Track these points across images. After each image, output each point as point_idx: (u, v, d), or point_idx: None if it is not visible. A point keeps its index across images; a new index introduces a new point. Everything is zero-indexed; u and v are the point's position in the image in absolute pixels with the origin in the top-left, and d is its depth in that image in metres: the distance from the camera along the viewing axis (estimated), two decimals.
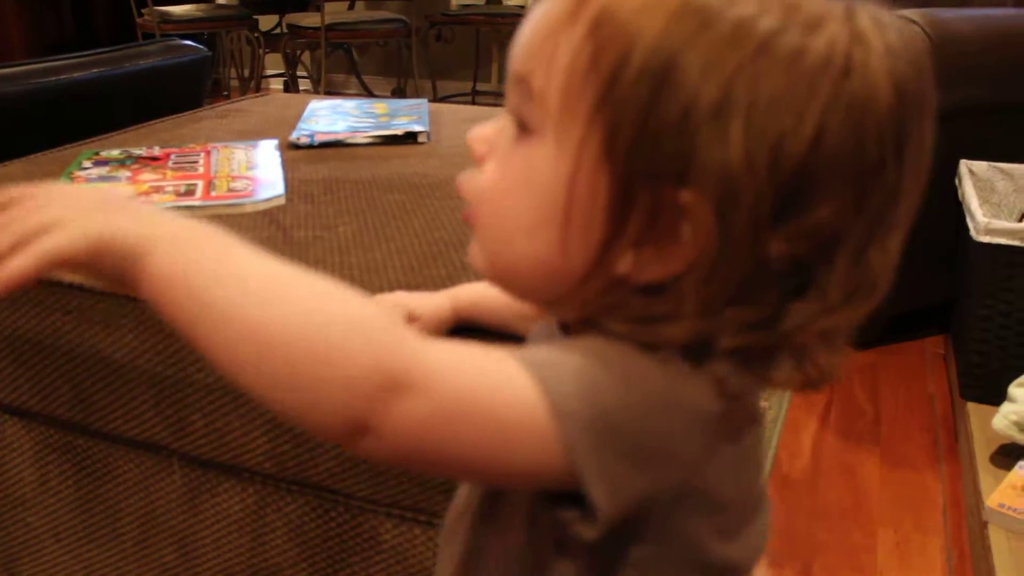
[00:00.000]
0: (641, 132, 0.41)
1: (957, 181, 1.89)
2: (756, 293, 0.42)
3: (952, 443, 1.72)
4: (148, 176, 1.18)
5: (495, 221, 0.47)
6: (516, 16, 2.64)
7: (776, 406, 1.83)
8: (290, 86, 4.47)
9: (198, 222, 0.44)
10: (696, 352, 0.43)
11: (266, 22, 4.57)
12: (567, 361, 0.42)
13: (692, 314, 0.42)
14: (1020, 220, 1.77)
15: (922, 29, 1.75)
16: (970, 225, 1.70)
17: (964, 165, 1.89)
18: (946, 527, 1.50)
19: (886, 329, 2.09)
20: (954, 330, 1.99)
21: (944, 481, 1.62)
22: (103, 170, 1.21)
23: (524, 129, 0.45)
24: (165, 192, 1.11)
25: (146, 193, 1.11)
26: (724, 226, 0.41)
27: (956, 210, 1.85)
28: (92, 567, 1.05)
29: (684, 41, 0.40)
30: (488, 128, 0.48)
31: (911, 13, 1.79)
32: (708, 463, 0.44)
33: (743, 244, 0.41)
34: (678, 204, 0.41)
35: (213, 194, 1.11)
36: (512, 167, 0.46)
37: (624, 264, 0.43)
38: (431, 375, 0.40)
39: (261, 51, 4.42)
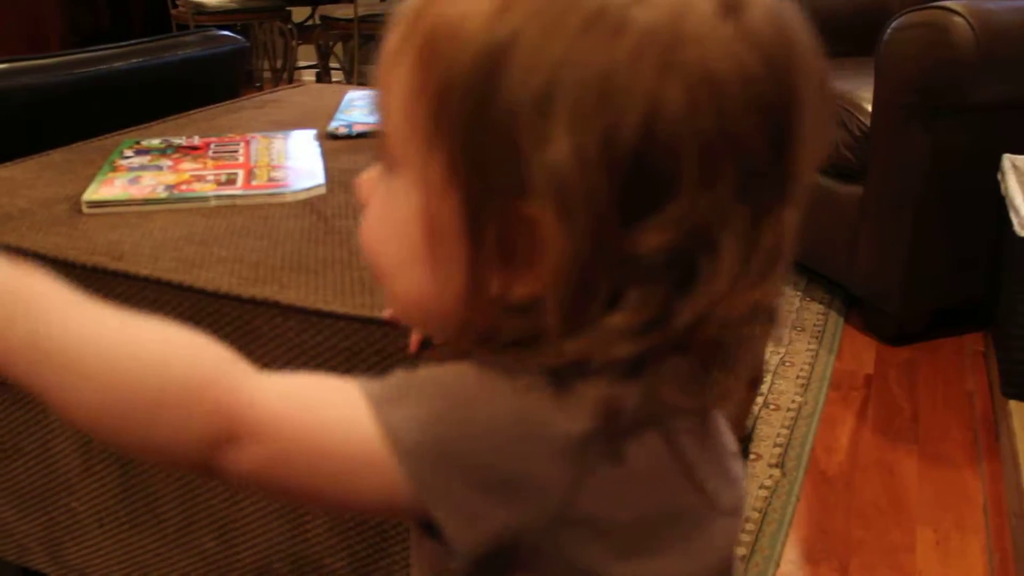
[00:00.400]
0: (474, 147, 0.39)
1: (1000, 176, 1.86)
2: (635, 295, 0.40)
3: (992, 441, 1.70)
4: (189, 165, 1.18)
5: (377, 261, 0.47)
6: None
7: (812, 401, 1.82)
8: (322, 77, 4.48)
9: (27, 278, 0.43)
10: (574, 371, 0.41)
11: (299, 13, 4.58)
12: (412, 390, 0.42)
13: (559, 330, 0.40)
14: None
15: (966, 20, 1.72)
16: (1013, 220, 1.67)
17: (1007, 159, 1.86)
18: (987, 527, 1.48)
19: (925, 325, 2.06)
20: (995, 327, 1.97)
21: (985, 480, 1.60)
22: (144, 159, 1.22)
23: (388, 167, 0.45)
24: (206, 181, 1.11)
25: (188, 182, 1.11)
26: (571, 232, 0.39)
27: (998, 205, 1.82)
28: (134, 552, 1.06)
29: (504, 45, 0.38)
30: (371, 171, 0.47)
31: (954, 4, 1.76)
32: (581, 487, 0.41)
33: (597, 247, 0.39)
34: (523, 216, 0.39)
35: (254, 183, 1.11)
36: (381, 207, 0.46)
37: (495, 286, 0.42)
38: (263, 423, 0.41)
39: (294, 42, 4.43)
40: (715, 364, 0.43)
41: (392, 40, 0.43)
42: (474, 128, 0.39)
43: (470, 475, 0.41)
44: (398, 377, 0.43)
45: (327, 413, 0.42)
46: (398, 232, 0.44)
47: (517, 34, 0.38)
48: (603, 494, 0.42)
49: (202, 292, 0.87)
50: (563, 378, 0.41)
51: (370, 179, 0.47)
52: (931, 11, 1.79)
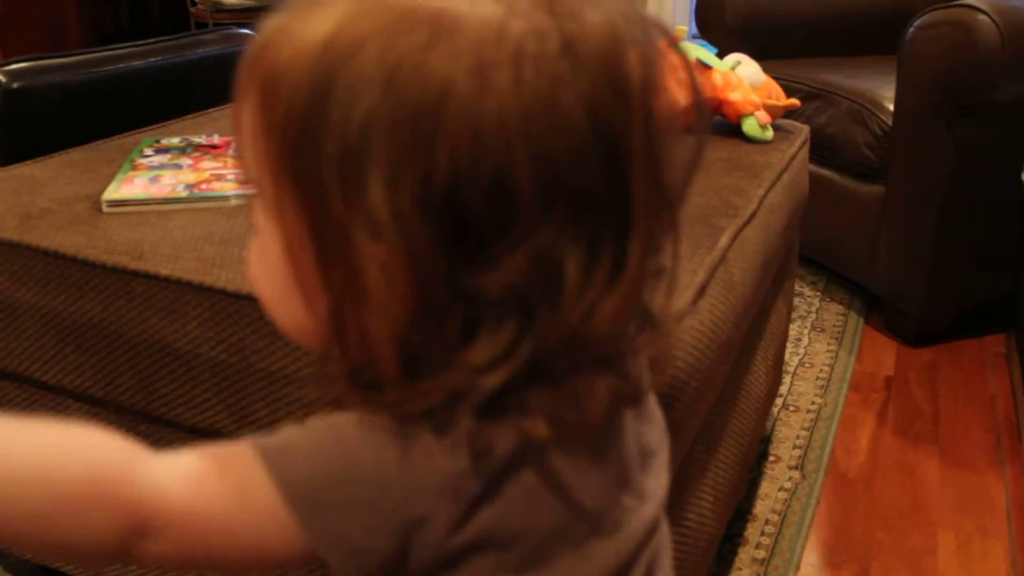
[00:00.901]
0: (310, 190, 0.40)
1: (1023, 176, 1.84)
2: (487, 328, 0.41)
3: (1015, 444, 1.68)
4: (209, 164, 1.18)
5: (258, 293, 0.48)
6: None
7: (832, 403, 1.80)
8: None
9: None
10: (450, 411, 0.42)
11: None
12: (300, 440, 0.44)
13: (396, 373, 0.41)
14: None
15: (991, 18, 1.71)
16: None
17: None
18: (1011, 531, 1.47)
19: (946, 327, 2.04)
20: (1018, 328, 1.95)
21: (1007, 483, 1.58)
22: (164, 158, 1.22)
23: (259, 205, 0.46)
24: (226, 180, 1.11)
25: (208, 181, 1.11)
26: (402, 273, 0.39)
27: (1021, 206, 1.80)
28: None
29: (323, 93, 0.39)
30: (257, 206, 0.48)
31: (979, 2, 1.75)
32: (464, 519, 0.43)
33: (432, 287, 0.39)
34: (360, 257, 0.40)
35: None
36: (259, 242, 0.47)
37: (357, 320, 0.42)
38: (166, 513, 0.42)
39: None
40: (580, 386, 0.43)
41: (239, 83, 0.43)
42: (306, 172, 0.40)
43: (357, 516, 0.42)
44: (289, 429, 0.44)
45: (226, 487, 0.44)
46: (271, 267, 0.45)
47: (334, 77, 0.39)
48: (485, 523, 0.43)
49: (223, 292, 0.87)
50: (441, 418, 0.42)
51: (255, 213, 0.47)
52: (956, 9, 1.77)
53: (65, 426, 0.44)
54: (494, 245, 0.39)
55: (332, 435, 0.44)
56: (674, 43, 0.44)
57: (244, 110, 0.43)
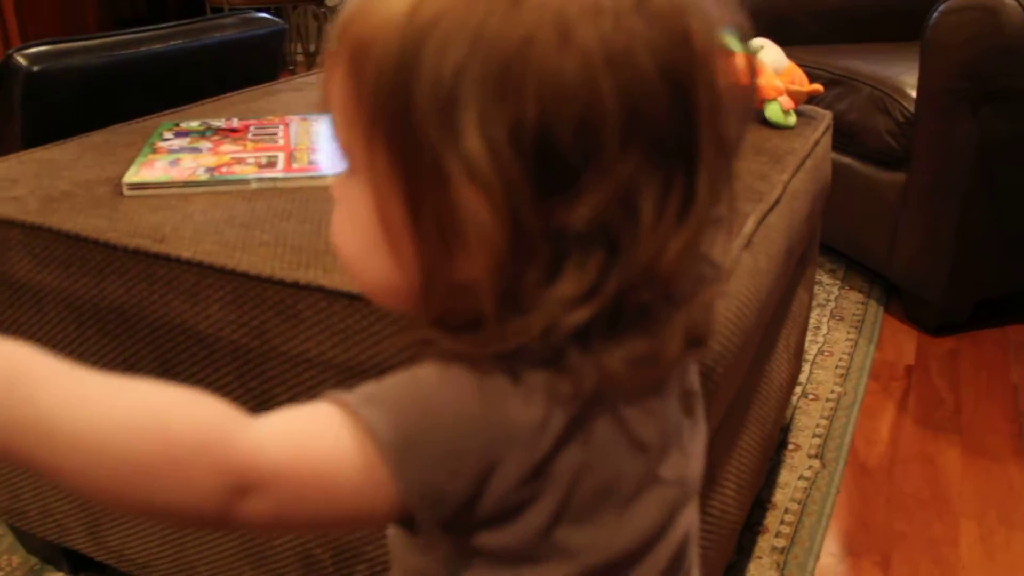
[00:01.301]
0: (403, 143, 0.43)
1: None
2: (572, 264, 0.43)
3: None
4: (229, 148, 1.18)
5: (343, 254, 0.51)
6: None
7: (852, 392, 1.79)
8: None
9: (13, 355, 0.44)
10: (528, 360, 0.44)
11: None
12: (382, 395, 0.45)
13: (496, 310, 0.44)
14: None
15: (1018, 3, 1.68)
16: None
17: None
18: None
19: (967, 316, 2.03)
20: None
21: None
22: (184, 141, 1.21)
23: (346, 169, 0.49)
24: (247, 164, 1.11)
25: (228, 164, 1.11)
26: (495, 213, 0.42)
27: None
28: (173, 535, 1.06)
29: (414, 48, 0.42)
30: (338, 174, 0.51)
31: None
32: (542, 466, 0.45)
33: (523, 225, 0.42)
34: (453, 203, 0.43)
35: (295, 166, 1.10)
36: (344, 205, 0.50)
37: (444, 270, 0.45)
38: (268, 474, 0.43)
39: (327, 25, 4.43)
40: (654, 329, 0.46)
41: (328, 54, 0.47)
42: (400, 126, 0.43)
43: (443, 461, 0.44)
44: (369, 385, 0.46)
45: (321, 443, 0.45)
46: (358, 226, 0.48)
47: (424, 36, 0.42)
48: (552, 472, 0.45)
49: (245, 276, 0.87)
50: (518, 368, 0.45)
51: (337, 181, 0.50)
52: None
53: (167, 386, 0.44)
54: (580, 179, 0.42)
55: (413, 386, 0.46)
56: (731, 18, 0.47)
57: (333, 81, 0.46)
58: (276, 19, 1.75)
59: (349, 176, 0.48)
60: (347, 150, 0.47)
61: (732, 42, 0.47)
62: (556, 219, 0.42)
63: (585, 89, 0.41)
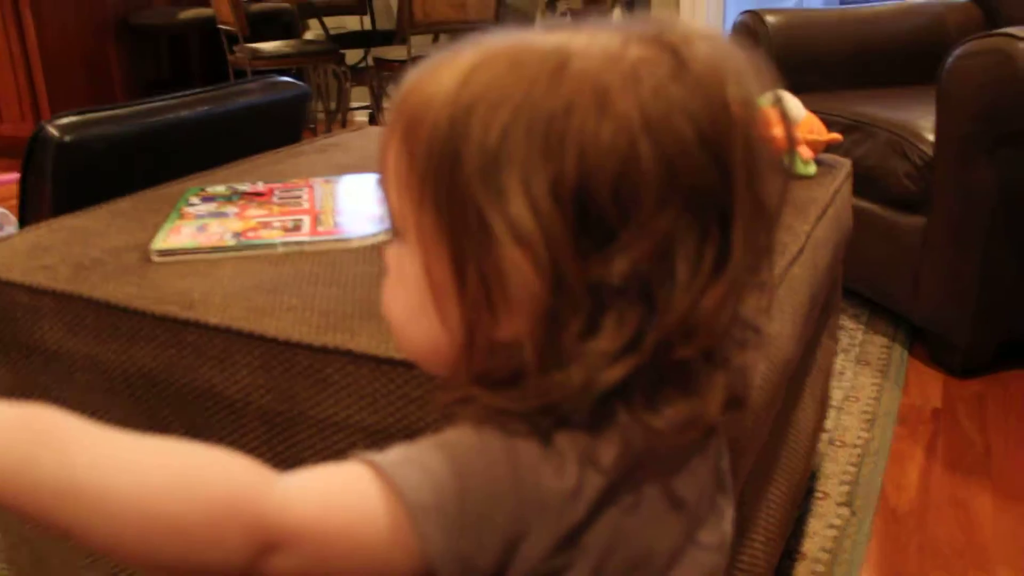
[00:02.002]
0: (451, 207, 0.45)
1: None
2: (611, 319, 0.44)
3: None
4: (255, 212, 1.20)
5: (392, 319, 0.53)
6: None
7: (879, 437, 1.78)
8: (375, 118, 4.54)
9: (42, 415, 0.46)
10: (561, 425, 0.45)
11: (352, 56, 4.65)
12: (414, 456, 0.46)
13: (538, 364, 0.45)
14: None
15: None
16: None
17: None
18: None
19: (991, 358, 2.01)
20: None
21: None
22: (211, 206, 1.24)
23: (397, 236, 0.51)
24: (273, 228, 1.13)
25: (254, 229, 1.13)
26: (538, 271, 0.44)
27: None
28: None
29: (463, 116, 0.45)
30: (390, 242, 0.54)
31: (1018, 30, 1.74)
32: (575, 535, 0.45)
33: (564, 281, 0.44)
34: (497, 263, 0.45)
35: (320, 229, 1.12)
36: (395, 271, 0.52)
37: (486, 329, 0.47)
38: (296, 531, 0.44)
39: (348, 84, 4.50)
40: (695, 388, 0.47)
41: (386, 126, 0.50)
42: (448, 191, 0.45)
43: (471, 530, 0.44)
44: (400, 447, 0.47)
45: (349, 502, 0.45)
46: (407, 290, 0.50)
47: (472, 105, 0.45)
48: (586, 541, 0.46)
49: (273, 341, 0.88)
50: (553, 432, 0.45)
51: (388, 250, 0.53)
52: (996, 38, 1.76)
53: (194, 445, 0.45)
54: (618, 236, 0.44)
55: (444, 450, 0.46)
56: (767, 83, 0.49)
57: (389, 150, 0.49)
58: (299, 82, 1.79)
59: (400, 243, 0.51)
60: (398, 216, 0.50)
61: (766, 104, 0.48)
62: (595, 274, 0.44)
63: (623, 152, 0.43)
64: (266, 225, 1.14)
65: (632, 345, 0.44)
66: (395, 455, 0.46)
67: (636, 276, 0.44)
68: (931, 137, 1.94)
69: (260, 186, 1.33)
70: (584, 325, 0.44)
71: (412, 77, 0.49)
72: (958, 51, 1.82)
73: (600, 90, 0.44)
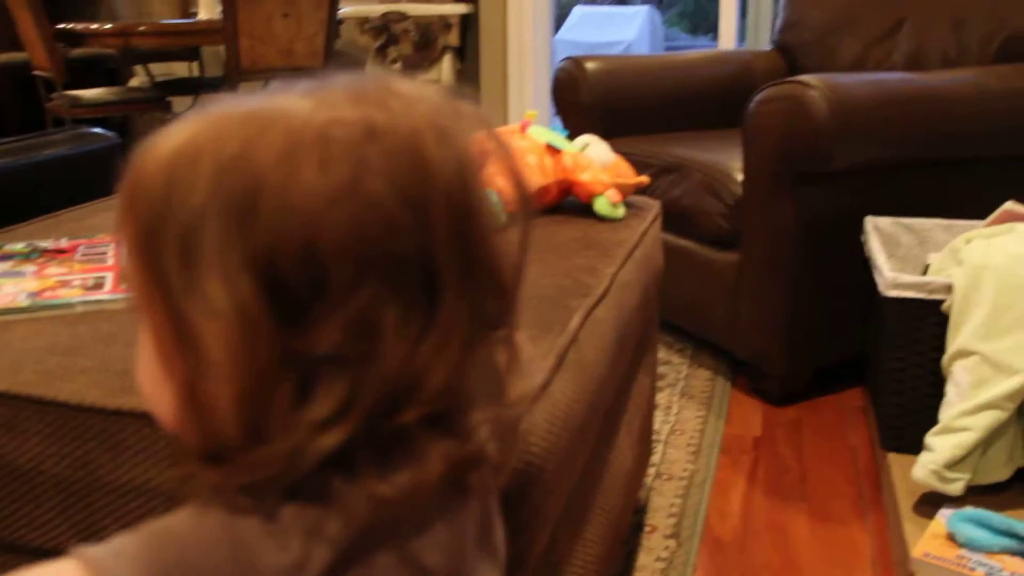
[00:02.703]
0: (161, 280, 0.45)
1: (863, 238, 1.95)
2: (322, 387, 0.44)
3: (876, 495, 1.75)
4: (55, 270, 1.15)
5: (139, 390, 0.52)
6: None
7: (704, 468, 1.84)
8: None
9: None
10: (281, 498, 0.45)
11: (180, 103, 4.53)
12: (130, 545, 0.45)
13: (241, 439, 0.44)
14: (924, 273, 1.82)
15: (820, 93, 1.82)
16: (878, 280, 1.75)
17: (869, 221, 1.96)
18: None
19: (806, 385, 2.12)
20: (870, 383, 2.04)
21: (871, 533, 1.64)
22: (7, 265, 1.18)
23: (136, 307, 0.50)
24: (72, 287, 1.09)
25: (52, 288, 1.08)
26: (236, 344, 0.44)
27: (865, 266, 1.90)
28: None
29: (169, 187, 0.45)
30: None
31: (810, 78, 1.86)
32: None
33: (264, 353, 0.44)
34: (198, 331, 0.44)
35: (123, 287, 1.08)
36: (139, 343, 0.51)
37: (202, 398, 0.46)
38: None
39: None
40: (416, 454, 0.46)
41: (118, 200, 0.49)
42: (156, 262, 0.45)
43: None
44: (119, 537, 0.46)
45: None
46: (145, 361, 0.50)
47: (173, 183, 0.45)
48: None
49: (65, 406, 0.84)
50: (276, 507, 0.45)
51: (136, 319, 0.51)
52: (789, 85, 1.88)
53: None
54: (312, 310, 0.43)
55: (162, 536, 0.45)
56: (493, 134, 0.48)
57: (120, 215, 0.48)
58: (109, 134, 1.73)
59: (138, 313, 0.50)
60: (131, 284, 0.49)
61: (504, 143, 0.48)
62: (296, 345, 0.44)
63: (309, 222, 0.43)
64: (65, 284, 1.10)
65: (344, 412, 0.44)
66: (113, 546, 0.45)
67: (339, 346, 0.44)
68: (740, 177, 2.05)
69: (63, 243, 1.28)
70: (293, 395, 0.44)
71: (145, 143, 0.49)
72: (758, 97, 1.94)
73: (287, 159, 0.43)
